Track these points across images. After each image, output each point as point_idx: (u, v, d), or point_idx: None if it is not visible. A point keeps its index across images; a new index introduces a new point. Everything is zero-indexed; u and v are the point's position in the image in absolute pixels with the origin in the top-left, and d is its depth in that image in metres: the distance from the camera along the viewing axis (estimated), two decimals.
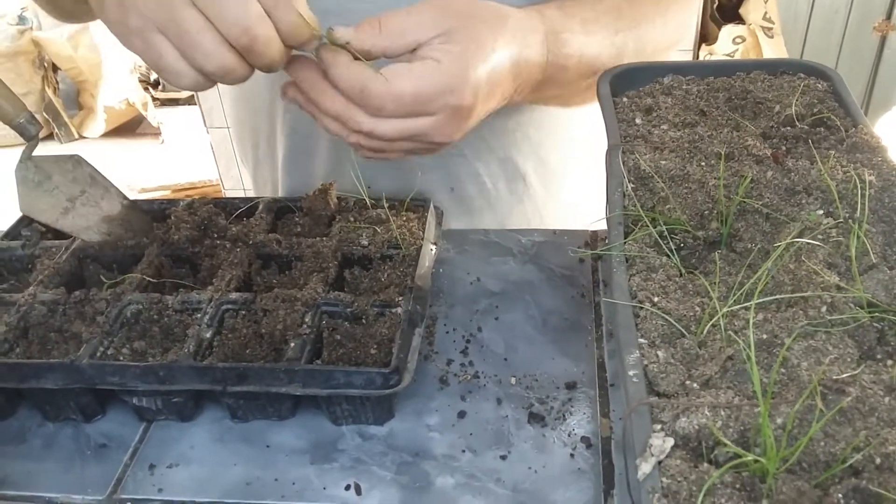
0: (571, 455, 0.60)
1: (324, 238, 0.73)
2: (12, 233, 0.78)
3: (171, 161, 3.40)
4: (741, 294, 0.47)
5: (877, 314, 0.46)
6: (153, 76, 3.64)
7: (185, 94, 3.64)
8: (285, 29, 0.58)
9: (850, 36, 2.78)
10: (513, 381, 0.67)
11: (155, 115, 3.60)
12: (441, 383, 0.67)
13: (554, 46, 0.71)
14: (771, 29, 2.38)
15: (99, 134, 3.76)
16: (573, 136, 0.96)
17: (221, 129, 2.92)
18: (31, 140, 0.74)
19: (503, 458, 0.60)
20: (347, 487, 0.59)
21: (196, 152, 3.15)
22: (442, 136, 0.65)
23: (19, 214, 0.79)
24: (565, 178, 0.99)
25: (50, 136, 3.68)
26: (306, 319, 0.63)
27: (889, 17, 2.75)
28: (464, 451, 0.61)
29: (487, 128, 0.87)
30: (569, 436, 0.62)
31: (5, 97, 0.71)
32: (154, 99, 3.58)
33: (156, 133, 3.72)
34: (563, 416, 0.63)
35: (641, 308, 0.48)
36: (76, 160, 0.78)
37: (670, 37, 0.85)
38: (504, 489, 0.58)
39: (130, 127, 3.84)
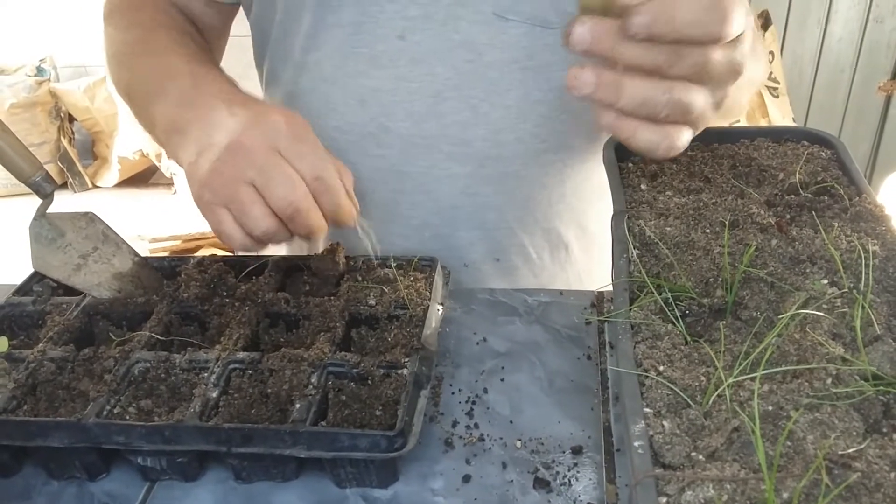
0: None
1: (331, 297, 0.73)
2: (24, 288, 0.79)
3: (182, 211, 3.43)
4: (746, 364, 0.47)
5: (882, 387, 0.46)
6: None
7: None
8: (329, 209, 0.70)
9: (855, 96, 2.82)
10: (518, 444, 0.66)
11: (168, 165, 3.65)
12: (446, 446, 0.67)
13: None
14: (776, 89, 2.41)
15: (112, 184, 3.80)
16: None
17: None
18: (45, 198, 0.75)
19: None
20: None
21: None
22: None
23: (31, 270, 0.80)
24: (605, 244, 1.01)
25: (64, 186, 3.73)
26: (312, 380, 0.64)
27: (894, 77, 2.79)
28: None
29: (534, 200, 0.92)
30: (574, 502, 0.61)
31: (22, 156, 0.73)
32: None
33: (168, 183, 3.76)
34: (569, 481, 0.63)
35: (647, 377, 0.48)
36: (89, 217, 0.79)
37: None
38: None
39: (144, 177, 3.89)
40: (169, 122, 0.76)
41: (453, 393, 0.72)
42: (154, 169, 3.86)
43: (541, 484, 0.63)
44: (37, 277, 0.80)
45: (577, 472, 0.64)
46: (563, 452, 0.66)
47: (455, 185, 0.89)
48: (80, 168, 3.81)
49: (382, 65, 0.82)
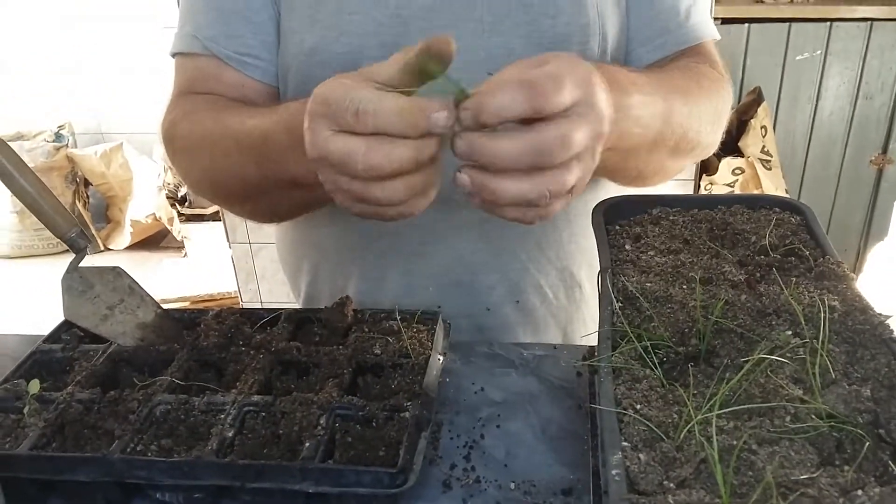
0: None
1: (340, 347, 0.79)
2: (53, 336, 0.85)
3: (192, 274, 3.50)
4: (714, 403, 0.53)
5: (836, 424, 0.51)
6: (181, 193, 3.80)
7: (210, 209, 3.80)
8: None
9: (848, 169, 2.90)
10: (512, 486, 0.71)
11: (180, 229, 3.74)
12: (444, 486, 0.71)
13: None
14: (769, 161, 2.50)
15: (124, 246, 3.89)
16: None
17: (243, 245, 3.03)
18: (79, 253, 0.82)
19: None
20: None
21: (217, 266, 3.26)
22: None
23: (60, 320, 0.86)
24: None
25: None
26: (321, 421, 0.69)
27: (885, 150, 2.88)
28: None
29: (546, 240, 0.97)
30: None
31: (61, 214, 0.80)
32: (180, 215, 3.72)
33: (179, 247, 3.84)
34: None
35: (625, 414, 0.53)
36: (117, 272, 0.85)
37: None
38: None
39: (155, 240, 3.98)
40: (303, 175, 0.73)
41: (452, 438, 0.77)
42: (165, 232, 3.95)
43: None
44: (65, 326, 0.86)
45: None
46: (555, 494, 0.70)
47: (471, 231, 0.95)
48: (94, 231, 3.90)
49: None
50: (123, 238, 3.84)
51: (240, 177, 0.83)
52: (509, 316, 1.00)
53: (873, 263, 2.33)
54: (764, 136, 2.55)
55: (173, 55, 0.97)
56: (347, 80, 0.61)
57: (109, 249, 3.91)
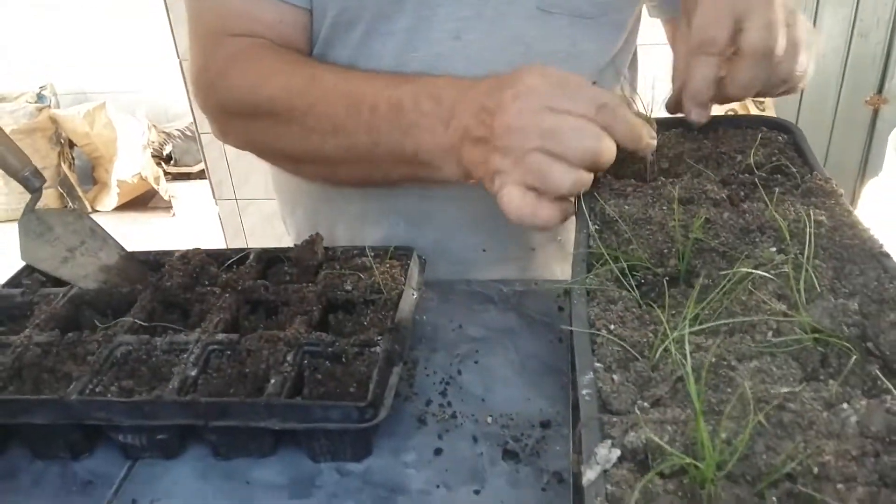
0: (543, 489, 0.61)
1: (309, 284, 0.76)
2: (13, 281, 0.82)
3: (181, 233, 3.47)
4: (690, 319, 0.50)
5: (821, 337, 0.48)
6: (166, 151, 3.76)
7: (196, 168, 3.75)
8: (622, 135, 0.67)
9: (843, 110, 2.86)
10: (489, 420, 0.68)
11: (167, 188, 3.70)
12: (419, 422, 0.69)
13: None
14: (762, 102, 2.45)
15: (112, 207, 3.85)
16: None
17: (230, 201, 2.99)
18: (34, 192, 0.78)
19: (476, 492, 0.62)
20: None
21: (205, 224, 3.22)
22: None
23: (21, 265, 0.83)
24: None
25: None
26: (288, 358, 0.66)
27: (880, 91, 2.83)
28: (438, 486, 0.62)
29: None
30: (541, 471, 0.63)
31: (13, 151, 0.76)
32: (166, 173, 3.68)
33: (167, 206, 3.81)
34: (538, 452, 0.65)
35: (598, 335, 0.51)
36: (77, 214, 0.82)
37: None
38: None
39: (143, 201, 3.94)
40: (429, 153, 0.75)
41: (428, 375, 0.75)
42: (153, 192, 3.90)
43: (509, 455, 0.65)
44: (26, 272, 0.83)
45: (545, 444, 0.66)
46: (533, 427, 0.67)
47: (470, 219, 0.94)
48: (80, 192, 3.86)
49: (439, 65, 0.84)
50: (111, 199, 3.81)
51: (340, 140, 0.80)
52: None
53: (867, 201, 2.29)
54: None
55: None
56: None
57: (97, 211, 3.88)
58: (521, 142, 0.66)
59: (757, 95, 0.71)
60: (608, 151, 0.66)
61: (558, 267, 1.02)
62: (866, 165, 2.93)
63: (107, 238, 0.82)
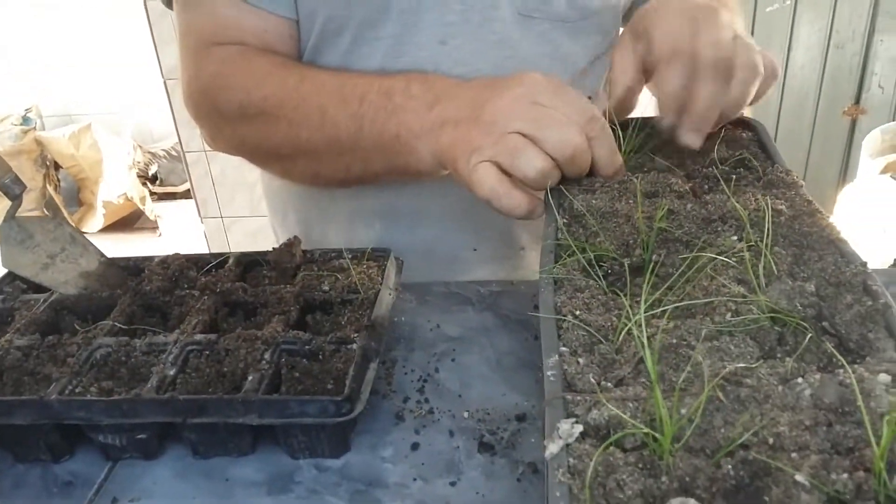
0: (518, 480, 0.62)
1: (287, 286, 0.77)
2: None
3: (167, 252, 3.47)
4: (654, 303, 0.51)
5: (778, 316, 0.49)
6: (151, 171, 3.76)
7: (181, 188, 3.75)
8: (601, 153, 0.69)
9: (821, 120, 2.90)
10: (466, 415, 0.69)
11: (153, 208, 3.70)
12: (397, 419, 0.70)
13: None
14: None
15: (98, 229, 3.85)
16: None
17: (216, 219, 3.00)
18: (14, 199, 0.79)
19: (453, 484, 0.63)
20: None
21: (191, 242, 3.23)
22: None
23: (2, 272, 0.84)
24: None
25: None
26: (265, 356, 0.67)
27: (857, 101, 2.87)
28: (415, 479, 0.63)
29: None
30: (516, 462, 0.64)
31: None
32: (152, 193, 3.68)
33: (153, 227, 3.80)
34: (513, 444, 0.66)
35: (564, 320, 0.52)
36: (58, 221, 0.83)
37: None
38: None
39: (129, 221, 3.94)
40: (411, 132, 0.77)
41: (406, 373, 0.76)
42: (139, 213, 3.90)
43: (485, 448, 0.66)
44: (7, 279, 0.84)
45: (520, 436, 0.67)
46: (508, 420, 0.69)
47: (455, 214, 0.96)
48: (66, 214, 3.85)
49: (426, 69, 0.86)
50: (97, 220, 3.80)
51: (327, 131, 0.82)
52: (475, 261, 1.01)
53: (842, 205, 2.33)
54: None
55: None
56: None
57: (83, 233, 3.87)
58: (506, 121, 0.68)
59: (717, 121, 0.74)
60: (584, 154, 0.68)
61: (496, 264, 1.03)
62: (846, 174, 2.96)
63: (87, 245, 0.83)
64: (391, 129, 0.77)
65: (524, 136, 0.67)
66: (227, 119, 0.90)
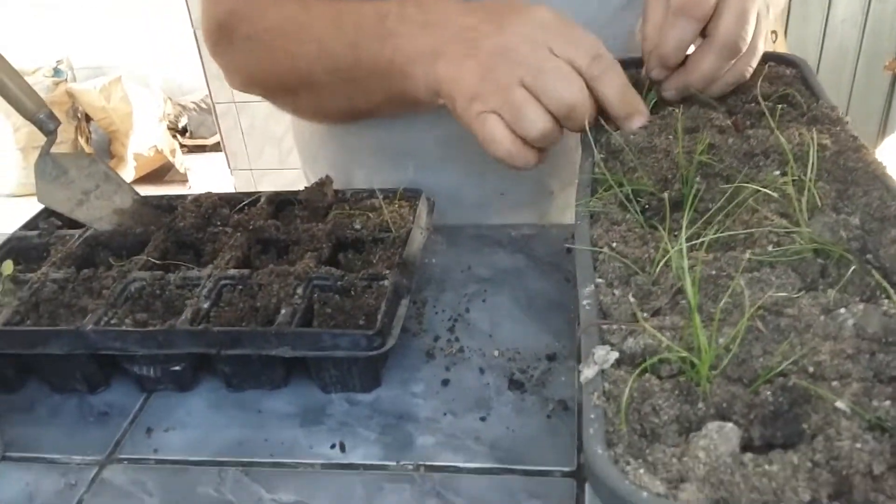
0: (548, 417, 0.62)
1: (319, 224, 0.77)
2: (30, 224, 0.83)
3: None
4: (693, 236, 0.50)
5: (821, 247, 0.48)
6: (181, 124, 3.77)
7: (211, 140, 3.76)
8: (611, 90, 0.66)
9: (861, 76, 2.82)
10: (496, 353, 0.69)
11: (182, 161, 3.72)
12: (427, 356, 0.70)
13: None
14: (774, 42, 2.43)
15: (129, 181, 3.88)
16: None
17: (245, 171, 3.01)
18: (49, 135, 0.79)
19: (483, 419, 0.63)
20: (332, 446, 0.62)
21: None
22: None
23: (38, 209, 0.84)
24: None
25: None
26: (298, 291, 0.67)
27: None
28: (445, 414, 0.64)
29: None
30: (546, 400, 0.64)
31: (27, 93, 0.77)
32: (182, 146, 3.70)
33: (183, 179, 3.83)
34: (543, 383, 0.66)
35: (601, 252, 0.51)
36: (92, 158, 0.83)
37: None
38: (482, 446, 0.60)
39: (159, 174, 3.96)
40: (405, 56, 0.73)
41: (437, 313, 0.75)
42: (169, 166, 3.93)
43: (515, 385, 0.66)
44: (43, 215, 0.84)
45: (551, 375, 0.66)
46: (539, 359, 0.68)
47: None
48: None
49: None
50: (127, 173, 3.83)
51: (324, 62, 0.80)
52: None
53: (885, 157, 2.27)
54: (774, 42, 2.46)
55: None
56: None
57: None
58: (509, 69, 0.65)
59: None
60: (583, 107, 0.65)
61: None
62: (885, 130, 2.89)
63: (121, 183, 0.83)
64: (386, 53, 0.74)
65: (527, 88, 0.65)
66: (239, 53, 0.89)
